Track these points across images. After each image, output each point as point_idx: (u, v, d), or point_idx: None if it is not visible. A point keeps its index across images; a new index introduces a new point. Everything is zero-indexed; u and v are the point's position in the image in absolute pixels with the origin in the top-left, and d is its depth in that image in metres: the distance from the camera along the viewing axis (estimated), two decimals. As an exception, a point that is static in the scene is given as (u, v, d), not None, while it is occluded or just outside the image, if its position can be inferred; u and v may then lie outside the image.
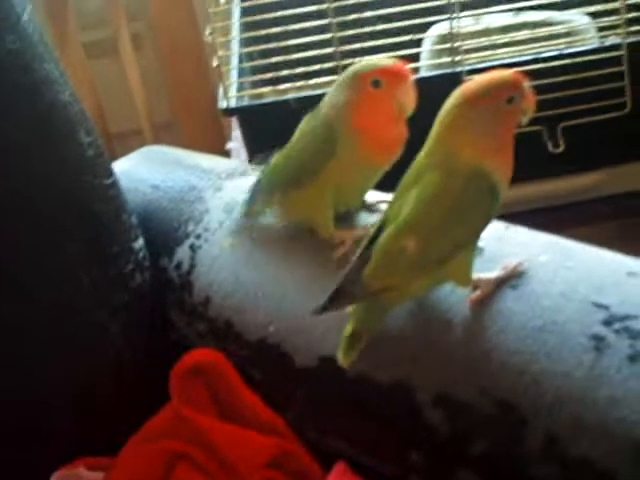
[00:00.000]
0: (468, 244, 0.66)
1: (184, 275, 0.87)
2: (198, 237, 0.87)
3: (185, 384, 0.81)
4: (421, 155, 0.67)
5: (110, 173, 0.88)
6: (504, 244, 0.72)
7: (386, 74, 0.72)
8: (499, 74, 0.66)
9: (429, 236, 0.65)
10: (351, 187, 0.78)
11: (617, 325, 0.62)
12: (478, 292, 0.68)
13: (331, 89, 0.77)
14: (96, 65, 1.96)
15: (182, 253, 0.88)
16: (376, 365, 0.71)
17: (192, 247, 0.87)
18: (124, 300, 0.87)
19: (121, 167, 0.99)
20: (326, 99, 0.77)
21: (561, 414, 0.61)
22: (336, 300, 0.68)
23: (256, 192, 0.83)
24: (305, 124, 0.79)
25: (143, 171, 0.97)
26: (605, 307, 0.63)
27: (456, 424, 0.66)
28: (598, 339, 0.61)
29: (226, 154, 1.66)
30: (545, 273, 0.68)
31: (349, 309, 0.69)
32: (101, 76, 1.96)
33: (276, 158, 0.81)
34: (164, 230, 0.90)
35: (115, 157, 1.04)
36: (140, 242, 0.90)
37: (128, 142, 2.07)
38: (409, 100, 0.72)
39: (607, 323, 0.62)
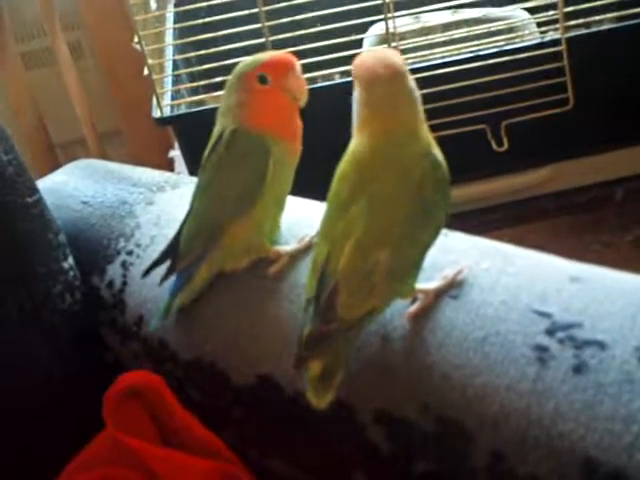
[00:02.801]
0: (432, 244, 0.63)
1: (116, 294, 0.83)
2: (130, 254, 0.84)
3: (121, 408, 0.78)
4: (355, 160, 0.63)
5: (33, 190, 0.84)
6: (443, 252, 0.69)
7: (269, 67, 0.69)
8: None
9: (400, 244, 0.60)
10: (283, 192, 0.74)
11: (561, 334, 0.59)
12: (417, 304, 0.65)
13: (225, 96, 0.73)
14: (35, 75, 1.92)
15: (114, 271, 0.84)
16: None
17: (124, 264, 0.84)
18: (54, 322, 0.83)
19: (49, 183, 0.95)
20: (222, 109, 0.73)
21: (506, 429, 0.58)
22: (314, 347, 0.61)
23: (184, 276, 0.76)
24: (220, 156, 0.72)
25: (72, 187, 0.93)
26: (548, 315, 0.60)
27: (398, 442, 0.63)
28: (541, 349, 0.59)
29: (171, 162, 1.63)
30: (486, 281, 0.65)
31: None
32: (41, 86, 1.93)
33: (192, 217, 0.75)
34: (95, 248, 0.87)
35: (60, 167, 1.00)
36: (70, 261, 0.86)
37: (73, 152, 2.04)
38: (299, 88, 0.70)
39: (550, 332, 0.59)
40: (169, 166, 1.69)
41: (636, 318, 0.59)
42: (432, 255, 0.68)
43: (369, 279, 0.60)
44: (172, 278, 0.76)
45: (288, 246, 0.74)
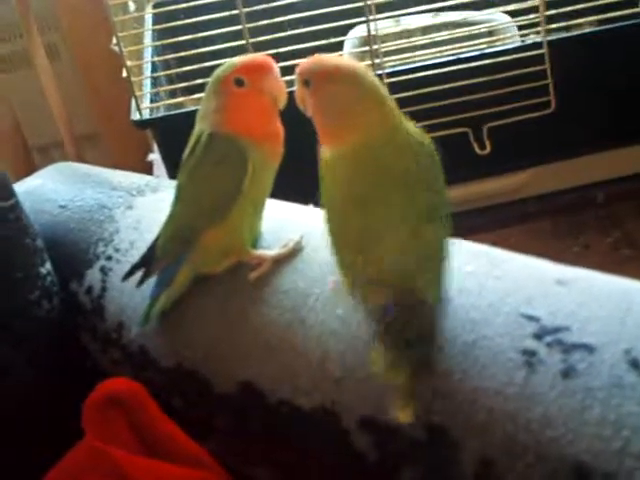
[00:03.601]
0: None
1: (95, 299, 0.82)
2: (109, 259, 0.82)
3: (101, 416, 0.77)
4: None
5: (10, 194, 0.82)
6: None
7: (245, 70, 0.69)
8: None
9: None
10: (262, 195, 0.73)
11: (548, 338, 0.58)
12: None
13: (203, 100, 0.72)
14: (11, 78, 1.89)
15: (93, 276, 0.83)
16: (297, 390, 0.67)
17: (103, 270, 0.82)
18: (31, 329, 0.81)
19: (27, 187, 0.93)
20: (201, 112, 0.72)
21: (495, 435, 0.57)
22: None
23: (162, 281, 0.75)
24: (198, 159, 0.71)
25: (50, 191, 0.92)
26: (535, 319, 0.60)
27: (385, 450, 0.62)
28: (529, 354, 0.58)
29: (150, 166, 1.61)
30: (472, 284, 0.64)
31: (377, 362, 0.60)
32: (17, 89, 1.90)
33: (169, 221, 0.74)
34: (73, 253, 0.85)
35: (36, 171, 0.98)
36: (47, 266, 0.84)
37: (50, 155, 2.01)
38: (278, 91, 0.69)
39: (538, 336, 0.59)
40: (148, 169, 1.67)
41: (624, 321, 0.58)
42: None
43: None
44: (151, 284, 0.75)
45: (271, 251, 0.73)
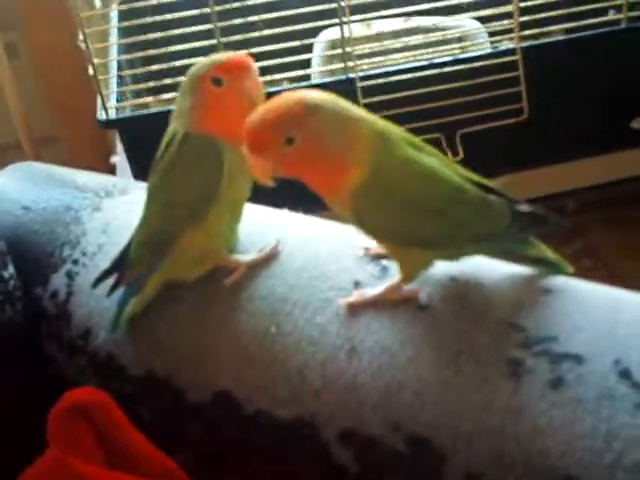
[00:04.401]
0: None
1: (61, 305, 0.79)
2: (75, 262, 0.79)
3: (66, 426, 0.73)
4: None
5: (-30, 195, 0.79)
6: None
7: (224, 69, 0.66)
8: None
9: None
10: (240, 199, 0.70)
11: (536, 348, 0.57)
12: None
13: (178, 99, 0.69)
14: (-31, 77, 1.84)
15: (58, 280, 0.79)
16: (275, 400, 0.64)
17: (69, 274, 0.79)
18: (-8, 335, 0.78)
19: (-14, 186, 0.90)
20: (175, 112, 0.69)
21: (481, 448, 0.55)
22: None
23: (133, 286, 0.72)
24: (172, 159, 0.68)
25: (12, 191, 0.88)
26: (522, 329, 0.58)
27: (367, 463, 0.60)
28: (516, 364, 0.57)
29: (112, 168, 1.57)
30: (455, 293, 0.63)
31: None
32: (-25, 88, 1.85)
33: (142, 225, 0.71)
34: (37, 256, 0.82)
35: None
36: (10, 270, 0.81)
37: (7, 157, 1.96)
38: (256, 91, 0.66)
39: (525, 346, 0.57)
40: (110, 172, 1.64)
41: (613, 331, 0.57)
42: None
43: None
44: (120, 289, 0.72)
45: (247, 256, 0.71)
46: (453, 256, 0.63)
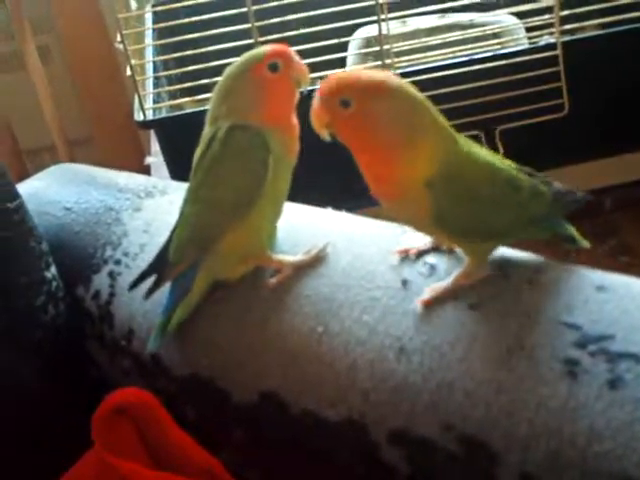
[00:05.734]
0: None
1: (103, 306, 0.78)
2: (117, 263, 0.79)
3: (110, 427, 0.74)
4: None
5: (14, 196, 0.79)
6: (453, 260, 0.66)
7: (277, 54, 0.67)
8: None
9: None
10: (281, 194, 0.69)
11: (592, 347, 0.55)
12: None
13: (215, 97, 0.69)
14: (4, 80, 1.86)
15: (100, 281, 0.79)
16: (322, 400, 0.64)
17: (111, 274, 0.79)
18: (36, 337, 0.78)
19: (29, 188, 0.90)
20: (218, 111, 0.68)
21: (536, 450, 0.54)
22: None
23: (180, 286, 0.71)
24: (216, 154, 0.67)
25: (54, 192, 0.88)
26: (577, 327, 0.57)
27: (417, 464, 0.59)
28: (572, 363, 0.55)
29: (146, 170, 1.57)
30: (507, 290, 0.61)
31: None
32: (9, 91, 1.87)
33: (185, 223, 0.70)
34: (79, 256, 0.82)
35: (28, 175, 0.95)
36: (52, 271, 0.81)
37: (41, 159, 1.98)
38: (304, 73, 0.68)
39: (580, 345, 0.56)
40: (144, 173, 1.64)
41: (671, 329, 0.55)
42: (446, 263, 0.65)
43: None
44: (164, 292, 0.71)
45: (292, 256, 0.70)
46: (511, 241, 0.64)
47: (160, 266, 0.71)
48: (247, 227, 0.68)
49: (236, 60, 0.69)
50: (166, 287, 0.71)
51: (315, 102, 0.59)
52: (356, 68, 0.59)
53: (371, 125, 0.58)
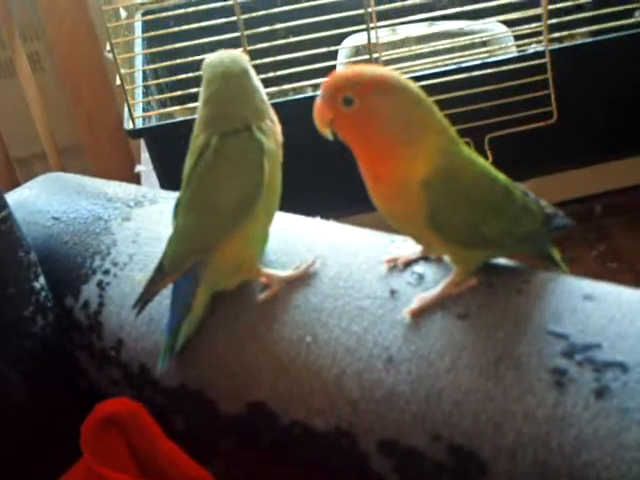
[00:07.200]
0: None
1: (92, 316, 0.78)
2: (106, 273, 0.79)
3: (99, 438, 0.74)
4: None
5: (2, 205, 0.78)
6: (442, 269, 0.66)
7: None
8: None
9: None
10: (275, 195, 0.69)
11: (579, 356, 0.56)
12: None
13: (207, 105, 0.68)
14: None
15: (89, 291, 0.79)
16: (311, 410, 0.64)
17: (100, 284, 0.79)
18: (25, 346, 0.78)
19: (18, 197, 0.90)
20: (208, 119, 0.68)
21: (524, 459, 0.54)
22: None
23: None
24: (210, 162, 0.67)
25: (42, 201, 0.88)
26: (564, 337, 0.57)
27: (407, 474, 0.59)
28: (560, 373, 0.55)
29: (136, 178, 1.57)
30: (495, 300, 0.61)
31: None
32: (-1, 99, 1.86)
33: (180, 234, 0.69)
34: (68, 266, 0.81)
35: (18, 184, 0.95)
36: (41, 281, 0.80)
37: (32, 167, 1.97)
38: None
39: (568, 355, 0.56)
40: (134, 181, 1.63)
41: (658, 338, 0.55)
42: (435, 272, 0.65)
43: None
44: (157, 305, 0.71)
45: (282, 272, 0.69)
46: (499, 255, 0.65)
47: (151, 280, 0.70)
48: (243, 235, 0.67)
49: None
50: (160, 303, 0.71)
51: (318, 101, 0.60)
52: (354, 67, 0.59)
53: (373, 122, 0.58)
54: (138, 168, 1.54)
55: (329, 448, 0.63)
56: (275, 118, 0.69)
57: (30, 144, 1.91)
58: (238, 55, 0.69)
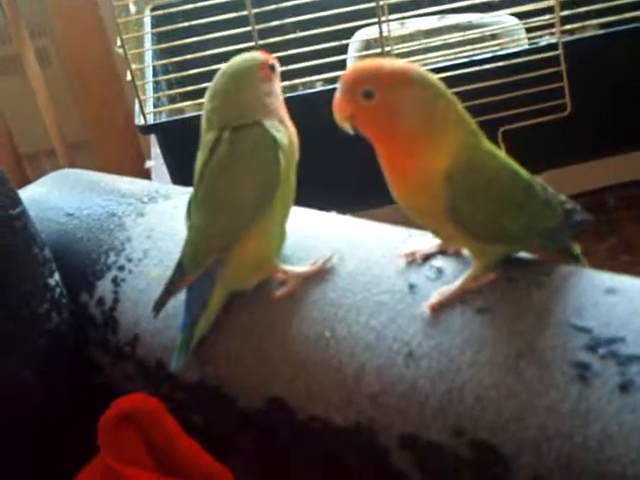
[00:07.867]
0: None
1: (107, 312, 0.78)
2: (121, 269, 0.78)
3: (116, 433, 0.74)
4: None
5: (16, 202, 0.78)
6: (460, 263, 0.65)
7: (271, 58, 0.70)
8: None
9: None
10: (290, 192, 0.68)
11: (602, 350, 0.55)
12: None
13: (213, 101, 0.69)
14: (2, 84, 1.85)
15: (104, 287, 0.79)
16: (330, 405, 0.63)
17: (115, 280, 0.78)
18: (40, 344, 0.78)
19: (31, 194, 0.89)
20: (220, 114, 0.68)
21: (547, 454, 0.54)
22: None
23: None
24: (225, 157, 0.66)
25: (55, 198, 0.88)
26: (587, 330, 0.56)
27: (428, 469, 0.59)
28: (583, 367, 0.55)
29: (146, 173, 1.57)
30: (515, 294, 0.61)
31: None
32: (8, 96, 1.86)
33: (196, 231, 0.68)
34: (82, 263, 0.81)
35: (28, 180, 0.94)
36: (56, 277, 0.80)
37: (41, 164, 1.97)
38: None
39: (591, 348, 0.55)
40: (144, 177, 1.63)
41: (682, 331, 0.55)
42: (453, 267, 0.65)
43: None
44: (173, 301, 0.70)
45: (299, 268, 0.69)
46: (519, 250, 0.64)
47: (171, 278, 0.69)
48: (261, 231, 0.66)
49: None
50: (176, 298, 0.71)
51: (337, 94, 0.59)
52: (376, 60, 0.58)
53: (394, 115, 0.57)
54: (148, 164, 1.54)
55: (348, 443, 0.62)
56: (290, 123, 0.68)
57: (39, 140, 1.91)
58: (255, 55, 0.70)
